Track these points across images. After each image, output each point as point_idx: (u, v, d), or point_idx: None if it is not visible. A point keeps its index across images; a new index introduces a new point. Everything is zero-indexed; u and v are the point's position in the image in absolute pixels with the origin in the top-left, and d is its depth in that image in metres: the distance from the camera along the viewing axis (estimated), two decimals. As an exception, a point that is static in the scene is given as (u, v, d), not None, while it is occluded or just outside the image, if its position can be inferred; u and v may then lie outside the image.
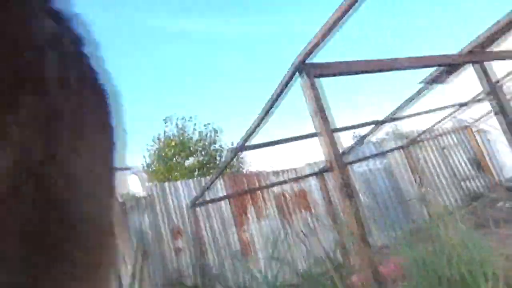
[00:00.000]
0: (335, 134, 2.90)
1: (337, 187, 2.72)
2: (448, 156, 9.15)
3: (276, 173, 6.81)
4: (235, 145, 4.50)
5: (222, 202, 6.04)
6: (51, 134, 0.16)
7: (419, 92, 5.00)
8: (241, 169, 12.53)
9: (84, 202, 0.18)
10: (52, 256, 0.16)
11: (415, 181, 7.95)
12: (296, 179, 6.63)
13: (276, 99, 3.37)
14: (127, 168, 4.99)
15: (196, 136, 12.16)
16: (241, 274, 5.38)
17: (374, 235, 6.54)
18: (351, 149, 6.03)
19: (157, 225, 5.28)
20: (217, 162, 11.88)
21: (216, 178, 4.84)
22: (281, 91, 3.26)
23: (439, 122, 7.63)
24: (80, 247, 0.17)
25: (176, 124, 12.11)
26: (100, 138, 0.21)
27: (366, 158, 7.09)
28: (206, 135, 12.33)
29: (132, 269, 4.53)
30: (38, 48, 0.16)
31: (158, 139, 11.94)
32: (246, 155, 11.98)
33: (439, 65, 4.06)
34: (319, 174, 6.29)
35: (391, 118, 5.26)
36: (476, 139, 9.48)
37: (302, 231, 6.30)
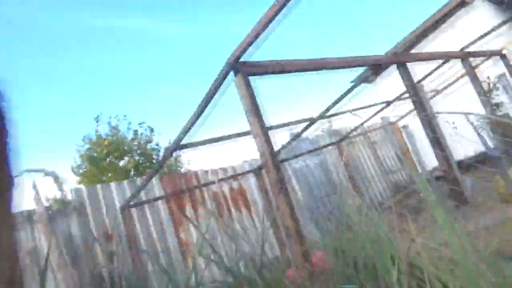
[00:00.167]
0: (272, 132, 2.96)
1: (271, 184, 2.78)
2: (377, 151, 9.79)
3: (214, 171, 6.77)
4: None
5: (159, 203, 5.87)
6: None
7: (350, 91, 5.25)
8: (179, 168, 12.27)
9: None
10: None
11: (348, 175, 8.38)
12: (234, 177, 6.65)
13: (211, 98, 3.35)
14: (37, 170, 4.65)
15: (130, 135, 11.66)
16: (175, 275, 5.29)
17: (310, 228, 6.78)
18: (287, 146, 6.18)
19: (87, 229, 4.99)
20: (154, 162, 11.49)
21: (151, 177, 4.69)
22: (216, 90, 3.25)
23: (369, 119, 8.10)
24: None
25: (109, 123, 11.51)
26: None
27: (302, 155, 7.32)
28: (142, 134, 11.88)
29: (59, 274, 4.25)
30: None
31: (89, 139, 11.24)
32: (184, 154, 11.72)
33: (365, 65, 4.30)
34: (257, 171, 6.37)
35: (325, 116, 5.48)
36: (401, 135, 10.26)
37: (240, 229, 6.35)
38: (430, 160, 9.03)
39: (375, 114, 7.75)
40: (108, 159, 10.84)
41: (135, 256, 4.81)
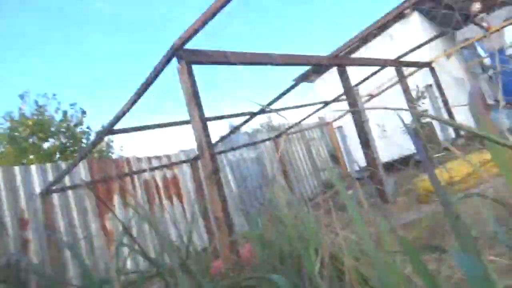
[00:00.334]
0: (210, 123, 2.89)
1: (206, 175, 2.71)
2: (311, 149, 10.13)
3: (148, 159, 6.50)
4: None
5: (85, 190, 5.51)
6: None
7: (291, 89, 5.31)
8: (110, 154, 11.64)
9: None
10: None
11: (282, 169, 8.57)
12: (168, 166, 6.45)
13: (151, 83, 3.18)
14: None
15: (59, 116, 10.78)
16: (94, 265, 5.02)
17: (241, 221, 6.82)
18: (224, 138, 6.13)
19: (0, 214, 4.52)
20: (83, 146, 10.76)
21: (79, 162, 4.36)
22: (156, 75, 3.09)
23: (306, 118, 8.32)
24: None
25: (36, 102, 10.52)
26: None
27: (239, 147, 7.31)
28: (72, 116, 11.03)
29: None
30: None
31: (11, 116, 10.19)
32: (117, 140, 11.13)
33: (308, 65, 4.38)
34: (192, 161, 6.24)
35: (263, 111, 5.51)
36: (335, 135, 10.72)
37: (169, 219, 6.19)
38: (359, 160, 9.57)
39: (313, 113, 7.99)
40: (31, 139, 9.93)
41: (52, 244, 4.45)
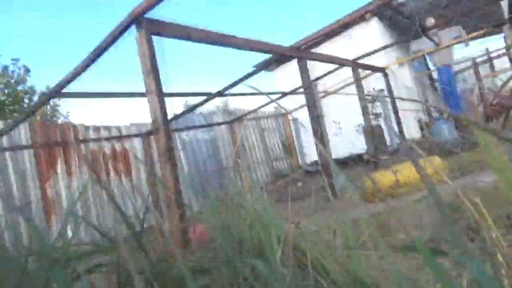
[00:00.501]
0: (166, 99, 2.83)
1: (159, 152, 2.69)
2: (265, 138, 10.26)
3: (96, 128, 6.25)
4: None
5: (25, 153, 5.19)
6: None
7: (251, 75, 5.33)
8: (55, 119, 10.99)
9: None
10: None
11: (235, 155, 8.62)
12: (119, 138, 6.26)
13: (105, 49, 3.05)
14: None
15: (-2, 71, 9.91)
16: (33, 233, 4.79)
17: (192, 202, 6.81)
18: (180, 116, 6.05)
19: None
20: (25, 106, 10.03)
21: (20, 122, 4.10)
22: (112, 41, 2.97)
23: (263, 106, 8.41)
24: None
25: (-28, 51, 9.62)
26: None
27: (194, 128, 7.25)
28: (13, 72, 10.20)
29: None
30: None
31: None
32: (63, 104, 10.48)
33: (271, 53, 4.43)
34: (145, 135, 6.10)
35: (221, 93, 5.50)
36: (290, 126, 10.93)
37: (115, 193, 6.04)
38: (311, 154, 9.86)
39: (270, 102, 8.09)
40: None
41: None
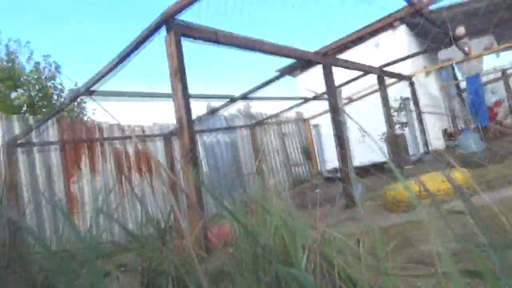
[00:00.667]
0: (190, 101, 2.86)
1: (182, 152, 2.71)
2: (285, 142, 10.22)
3: (121, 127, 6.36)
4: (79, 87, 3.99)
5: (52, 149, 5.34)
6: None
7: (275, 79, 5.33)
8: (82, 116, 11.26)
9: None
10: None
11: (255, 158, 8.62)
12: (143, 138, 6.35)
13: (135, 48, 3.11)
14: None
15: (30, 66, 10.21)
16: (61, 229, 4.91)
17: (210, 204, 6.83)
18: (203, 118, 6.10)
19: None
20: (54, 102, 10.29)
21: (49, 118, 4.22)
22: (142, 42, 3.02)
23: (285, 111, 8.38)
24: None
25: (7, 46, 9.91)
26: None
27: (216, 130, 7.30)
28: (44, 68, 10.49)
29: None
30: None
31: (-24, 59, 9.58)
32: (90, 102, 10.68)
33: (296, 58, 4.41)
34: (168, 137, 6.17)
35: (244, 97, 5.52)
36: (311, 132, 10.85)
37: (138, 192, 6.12)
38: (332, 160, 9.75)
39: (292, 107, 8.06)
40: (-3, 85, 9.38)
41: (14, 203, 4.31)
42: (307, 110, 9.92)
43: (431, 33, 8.27)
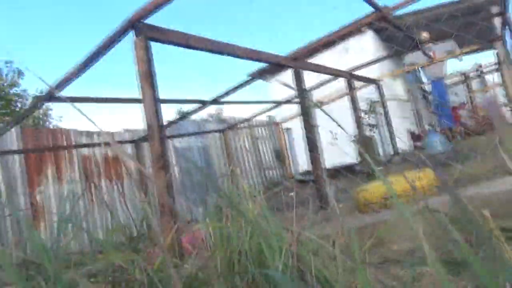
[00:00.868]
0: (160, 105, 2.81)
1: (153, 158, 2.66)
2: (258, 146, 10.25)
3: (89, 134, 6.18)
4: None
5: (15, 157, 5.10)
6: None
7: (246, 84, 5.34)
8: (47, 124, 10.86)
9: None
10: None
11: (228, 163, 8.59)
12: (113, 144, 6.18)
13: (101, 53, 3.03)
14: None
15: (-9, 74, 9.77)
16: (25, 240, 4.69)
17: (183, 209, 6.73)
18: (173, 123, 6.01)
19: None
20: (17, 109, 9.87)
21: (11, 127, 4.04)
22: (108, 46, 2.95)
23: (257, 115, 8.40)
24: None
25: (-36, 52, 9.44)
26: None
27: (187, 135, 7.21)
28: (6, 75, 10.05)
29: None
30: None
31: None
32: (56, 109, 10.34)
33: (267, 62, 4.44)
34: (137, 142, 6.04)
35: (215, 101, 5.49)
36: (283, 135, 10.93)
37: (107, 199, 5.95)
38: (304, 163, 9.85)
39: (264, 111, 8.09)
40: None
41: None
42: (279, 113, 9.98)
43: (397, 38, 8.57)
